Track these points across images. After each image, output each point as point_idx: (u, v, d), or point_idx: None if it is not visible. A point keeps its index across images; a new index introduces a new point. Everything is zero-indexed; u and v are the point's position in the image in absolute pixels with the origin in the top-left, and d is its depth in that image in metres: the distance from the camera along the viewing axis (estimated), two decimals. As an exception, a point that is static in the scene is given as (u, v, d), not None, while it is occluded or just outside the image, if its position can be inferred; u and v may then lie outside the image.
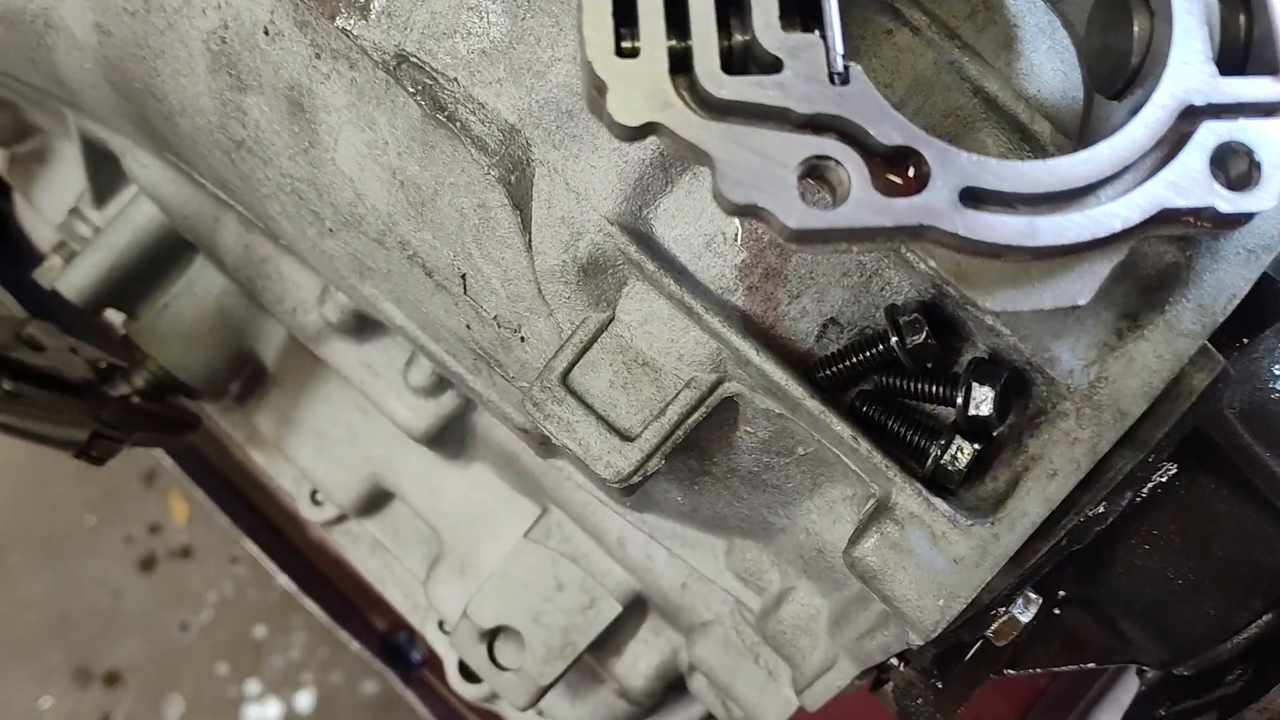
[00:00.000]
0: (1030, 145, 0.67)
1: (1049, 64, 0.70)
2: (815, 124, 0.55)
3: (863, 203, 0.54)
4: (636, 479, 0.75)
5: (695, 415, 0.75)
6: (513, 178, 0.75)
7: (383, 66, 0.76)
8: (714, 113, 0.54)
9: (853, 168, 0.54)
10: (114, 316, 1.39)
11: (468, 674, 1.32)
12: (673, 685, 1.20)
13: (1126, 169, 0.55)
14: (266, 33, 0.81)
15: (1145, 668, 0.93)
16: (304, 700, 2.86)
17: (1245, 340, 0.72)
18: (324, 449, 1.27)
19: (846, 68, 0.55)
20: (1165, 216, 0.55)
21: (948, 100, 0.68)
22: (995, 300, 0.58)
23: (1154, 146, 0.55)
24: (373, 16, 0.76)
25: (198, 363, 1.27)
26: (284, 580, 1.89)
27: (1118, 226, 0.54)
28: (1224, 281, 0.67)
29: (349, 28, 0.76)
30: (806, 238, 0.54)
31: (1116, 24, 0.59)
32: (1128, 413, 0.67)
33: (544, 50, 0.73)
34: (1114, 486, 0.70)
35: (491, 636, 1.13)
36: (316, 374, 1.26)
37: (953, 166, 0.55)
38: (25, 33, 0.96)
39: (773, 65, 0.54)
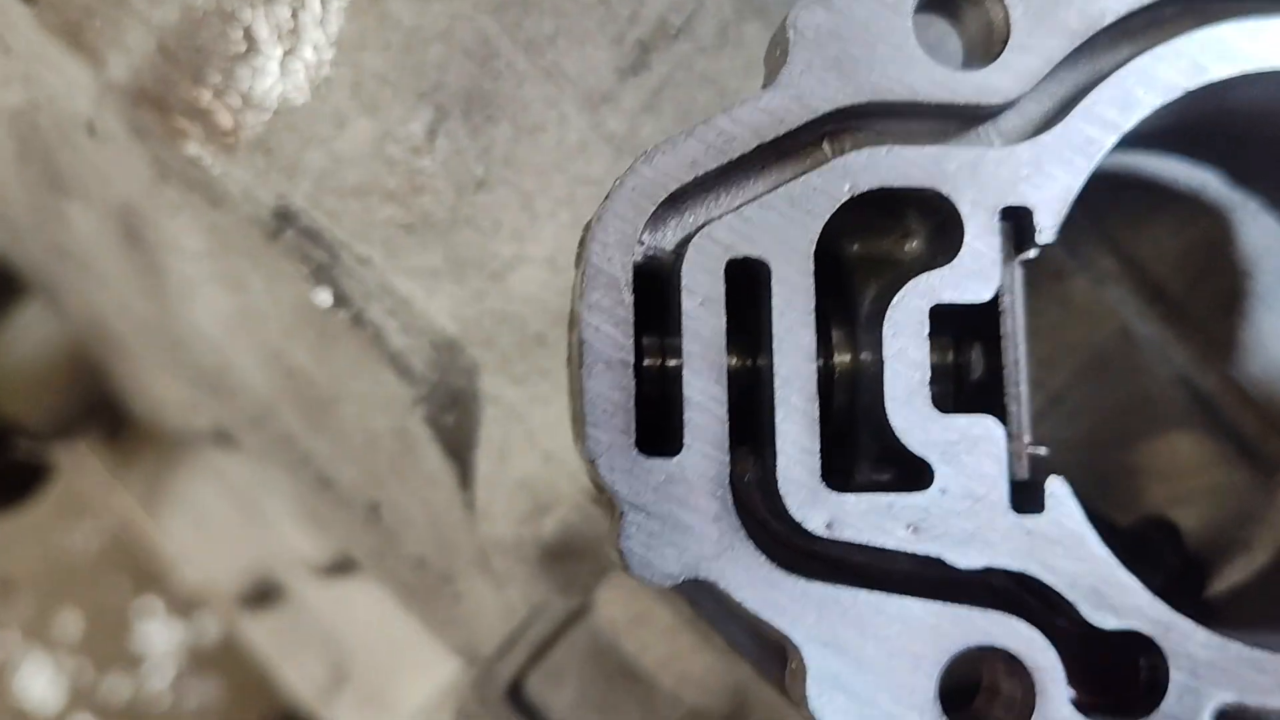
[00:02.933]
0: (1253, 464, 0.44)
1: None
2: (974, 586, 0.32)
3: None
4: None
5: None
6: (449, 419, 0.50)
7: (255, 222, 0.50)
8: (799, 560, 0.32)
9: (1041, 671, 0.32)
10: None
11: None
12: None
13: None
14: (91, 132, 0.53)
15: None
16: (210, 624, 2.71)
17: None
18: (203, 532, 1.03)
19: (1037, 473, 0.31)
20: None
21: (1133, 386, 0.44)
22: None
23: None
24: (240, 145, 0.49)
25: (44, 404, 1.02)
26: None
27: None
28: None
29: (204, 158, 0.49)
30: None
31: None
32: None
33: (504, 243, 0.47)
34: None
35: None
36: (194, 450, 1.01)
37: (1208, 665, 0.32)
38: None
39: (910, 468, 0.31)
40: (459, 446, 0.51)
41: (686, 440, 0.31)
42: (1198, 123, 0.37)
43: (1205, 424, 0.44)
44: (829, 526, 0.31)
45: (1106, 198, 0.39)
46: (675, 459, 0.31)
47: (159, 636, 2.54)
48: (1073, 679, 0.32)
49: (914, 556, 0.32)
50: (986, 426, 0.32)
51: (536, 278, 0.47)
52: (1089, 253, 0.43)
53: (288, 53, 0.48)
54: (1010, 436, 0.32)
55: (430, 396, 0.50)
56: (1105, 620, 0.32)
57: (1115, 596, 0.32)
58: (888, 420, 0.32)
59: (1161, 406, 0.44)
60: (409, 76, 0.46)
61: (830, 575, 0.32)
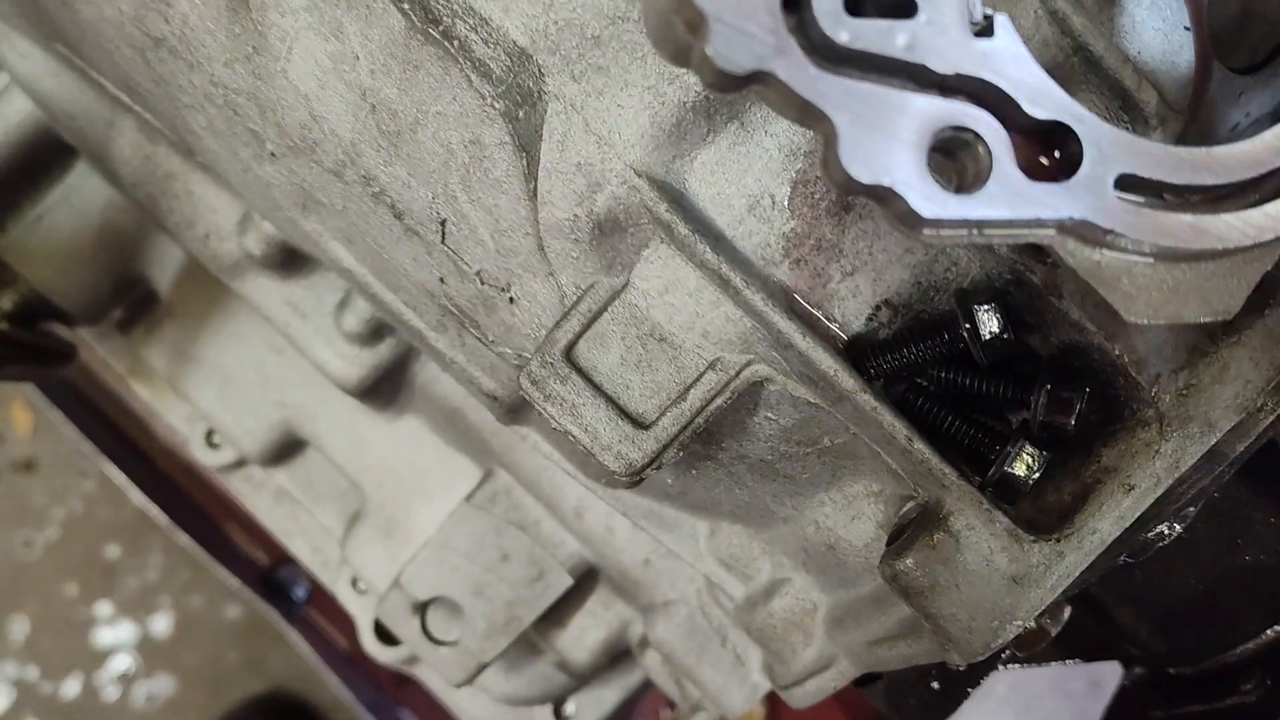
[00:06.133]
0: (1131, 115, 0.59)
1: (1150, 22, 0.61)
2: (948, 86, 0.45)
3: (1006, 189, 0.45)
4: (649, 472, 0.65)
5: (718, 401, 0.65)
6: (520, 113, 0.62)
7: (360, -37, 0.62)
8: (830, 63, 0.43)
9: (995, 143, 0.44)
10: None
11: (383, 636, 1.21)
12: (617, 657, 1.11)
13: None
14: (205, -93, 0.65)
15: (1135, 664, 0.89)
16: (161, 623, 2.72)
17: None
18: (229, 390, 1.12)
19: (989, 17, 0.45)
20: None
21: (1046, 56, 0.58)
22: (1137, 309, 0.49)
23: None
24: (349, -99, 0.61)
25: (76, 285, 1.10)
26: (154, 511, 1.75)
27: (1281, 230, 0.46)
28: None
29: (319, -89, 0.62)
30: (936, 226, 0.44)
31: (1263, -12, 0.50)
32: (1216, 425, 0.60)
33: (568, -38, 0.60)
34: (1184, 502, 0.63)
35: (424, 607, 1.02)
36: (223, 306, 1.10)
37: (1110, 148, 0.46)
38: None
39: (902, 7, 0.44)
40: (527, 140, 0.63)
41: None
42: None
43: (1096, 84, 0.59)
44: (850, 40, 0.43)
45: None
46: None
47: (109, 638, 2.56)
48: (1017, 156, 0.46)
49: (908, 65, 0.45)
50: None
51: (593, -6, 0.60)
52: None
53: None
54: None
55: (506, 94, 0.62)
56: (1037, 112, 0.46)
57: (1044, 98, 0.46)
58: None
59: (1065, 70, 0.59)
60: None
61: (850, 73, 0.45)
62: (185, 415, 1.23)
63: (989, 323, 0.60)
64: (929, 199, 0.43)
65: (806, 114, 0.43)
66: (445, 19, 0.62)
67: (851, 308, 0.64)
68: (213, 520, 1.79)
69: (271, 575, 1.91)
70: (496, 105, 0.62)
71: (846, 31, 0.43)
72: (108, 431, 1.73)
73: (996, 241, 0.46)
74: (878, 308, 0.64)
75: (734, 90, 0.43)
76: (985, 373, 0.62)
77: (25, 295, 1.09)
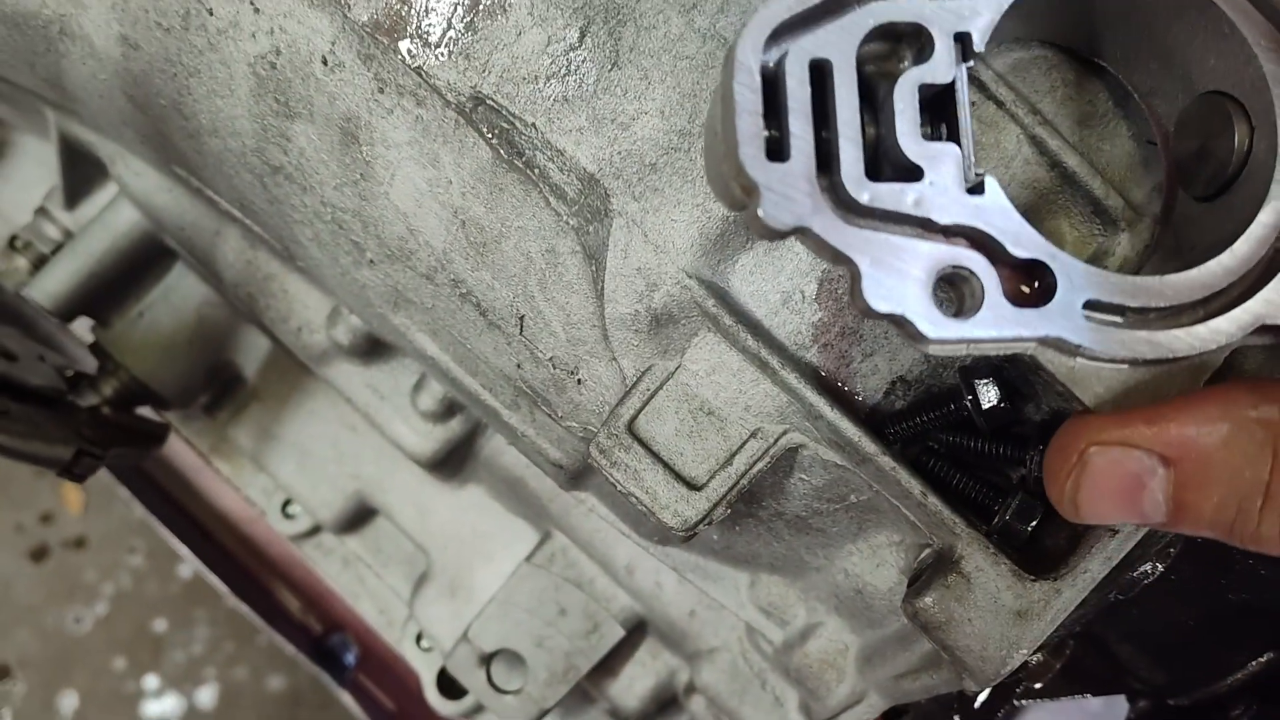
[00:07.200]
0: (1102, 220, 0.71)
1: (1122, 141, 0.73)
2: (949, 232, 0.56)
3: (995, 313, 0.55)
4: (702, 527, 0.76)
5: (760, 465, 0.76)
6: (590, 227, 0.75)
7: (456, 108, 0.75)
8: (854, 217, 0.54)
9: (987, 279, 0.55)
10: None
11: (445, 690, 1.31)
12: (665, 704, 1.21)
13: (1232, 284, 0.59)
14: (325, 62, 0.78)
15: (1139, 696, 0.99)
16: (206, 695, 2.79)
17: None
18: (308, 464, 1.24)
19: (980, 175, 0.56)
20: (1264, 329, 0.58)
21: (1027, 173, 0.71)
22: (1104, 405, 0.61)
23: (1256, 263, 0.59)
24: (448, 56, 0.75)
25: (173, 373, 1.22)
26: (214, 580, 1.85)
27: (1223, 341, 0.58)
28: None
29: (422, 67, 0.75)
30: (940, 344, 0.54)
31: (1214, 131, 0.62)
32: (1185, 477, 0.71)
33: (630, 103, 0.73)
34: (1163, 544, 0.74)
35: (489, 659, 1.13)
36: (302, 389, 1.23)
37: (1079, 280, 0.57)
38: (33, 37, 0.91)
39: (910, 172, 0.55)
40: (595, 249, 0.76)
41: (792, 154, 0.52)
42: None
43: (1071, 195, 0.71)
44: (870, 199, 0.53)
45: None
46: (786, 163, 0.52)
47: (156, 710, 2.66)
48: (1005, 287, 0.56)
49: (916, 218, 0.55)
50: (950, 149, 0.55)
51: (651, 124, 0.73)
52: (993, 87, 0.70)
53: (476, -4, 0.74)
54: (964, 155, 0.56)
55: (578, 212, 0.75)
56: (1020, 252, 0.56)
57: (1025, 240, 0.56)
58: (899, 146, 0.55)
59: (1044, 185, 0.71)
60: (566, -1, 0.73)
61: (872, 226, 0.54)
62: (263, 488, 1.35)
63: (988, 394, 0.71)
64: (933, 323, 0.53)
65: (837, 258, 0.54)
66: (527, 151, 0.75)
67: (871, 384, 0.75)
68: (267, 589, 1.91)
69: (323, 642, 2.01)
70: (570, 221, 0.75)
71: (867, 193, 0.53)
72: (168, 506, 1.86)
73: (988, 353, 0.57)
74: (893, 383, 0.75)
75: (779, 239, 0.54)
76: (987, 436, 0.74)
77: (126, 383, 1.22)
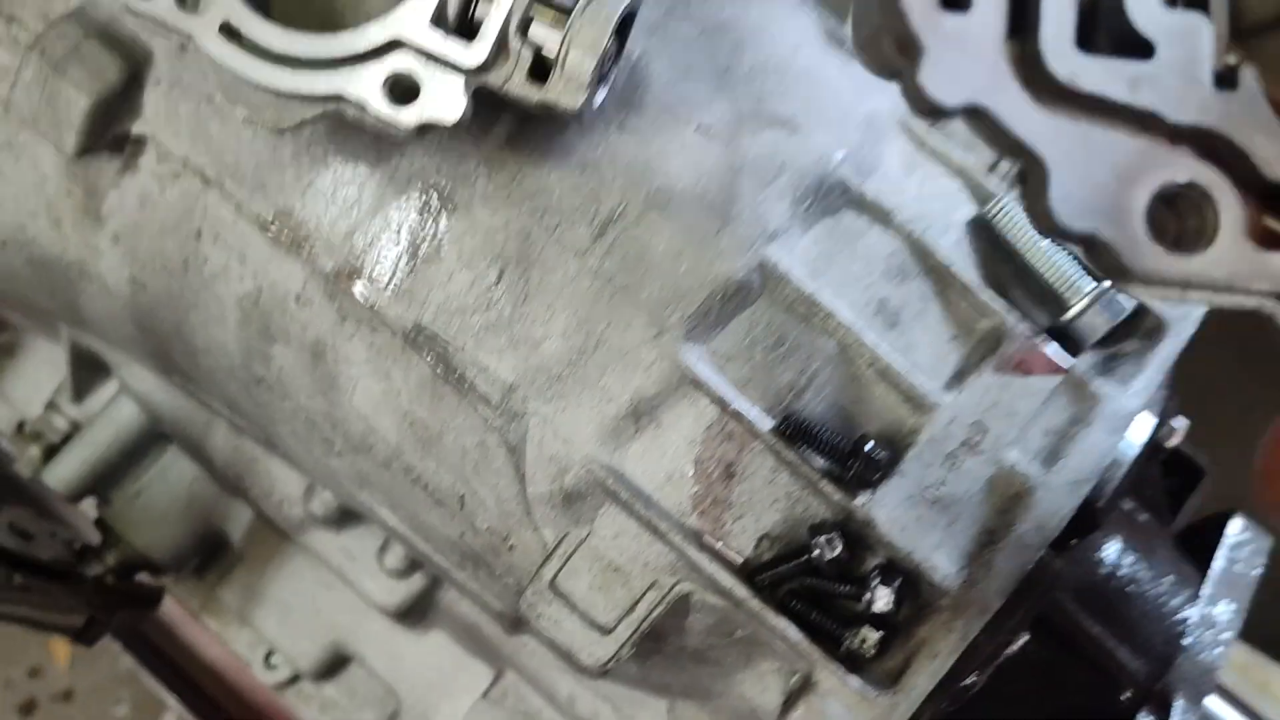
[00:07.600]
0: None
1: None
2: (1179, 135, 0.43)
3: (1231, 253, 0.43)
4: (612, 664, 0.94)
5: (658, 611, 0.94)
6: (511, 425, 0.94)
7: (402, 335, 0.95)
8: (1052, 99, 0.42)
9: (1226, 205, 0.43)
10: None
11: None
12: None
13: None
14: (297, 300, 0.98)
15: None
16: (193, 845, 2.85)
17: (1075, 541, 0.96)
18: (289, 619, 1.40)
19: (1234, 66, 0.43)
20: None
21: None
22: None
23: None
24: (394, 295, 0.95)
25: (168, 544, 1.39)
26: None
27: None
28: (1055, 506, 0.91)
29: (375, 304, 0.95)
30: (1146, 281, 0.44)
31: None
32: (989, 607, 0.89)
33: (538, 328, 0.93)
34: (982, 661, 0.92)
35: (450, 789, 1.28)
36: (283, 553, 1.40)
37: None
38: (56, 276, 1.11)
39: (1138, 48, 0.42)
40: (516, 443, 0.95)
41: (975, 2, 0.41)
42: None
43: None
44: (1075, 77, 0.41)
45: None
46: (966, 15, 0.41)
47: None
48: (1248, 221, 0.43)
49: (1137, 110, 0.41)
50: (1199, 21, 0.42)
51: (556, 344, 0.92)
52: None
53: (414, 250, 0.95)
54: (1217, 32, 0.43)
55: (502, 414, 0.94)
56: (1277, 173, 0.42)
57: None
58: (1125, 8, 0.42)
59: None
60: (488, 246, 0.93)
61: (1071, 113, 0.42)
62: (248, 641, 1.50)
63: (832, 547, 0.90)
64: (1143, 255, 0.42)
65: (1016, 151, 0.42)
66: (459, 367, 0.95)
67: (742, 541, 0.94)
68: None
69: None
70: (495, 422, 0.94)
71: (1073, 68, 0.41)
72: (155, 658, 1.99)
73: (1211, 302, 0.44)
74: (760, 539, 0.94)
75: (940, 119, 0.49)
76: (835, 579, 0.92)
77: (126, 554, 1.39)
